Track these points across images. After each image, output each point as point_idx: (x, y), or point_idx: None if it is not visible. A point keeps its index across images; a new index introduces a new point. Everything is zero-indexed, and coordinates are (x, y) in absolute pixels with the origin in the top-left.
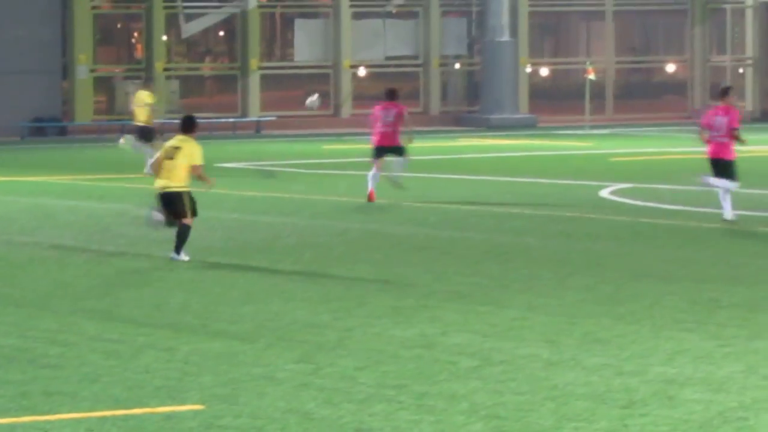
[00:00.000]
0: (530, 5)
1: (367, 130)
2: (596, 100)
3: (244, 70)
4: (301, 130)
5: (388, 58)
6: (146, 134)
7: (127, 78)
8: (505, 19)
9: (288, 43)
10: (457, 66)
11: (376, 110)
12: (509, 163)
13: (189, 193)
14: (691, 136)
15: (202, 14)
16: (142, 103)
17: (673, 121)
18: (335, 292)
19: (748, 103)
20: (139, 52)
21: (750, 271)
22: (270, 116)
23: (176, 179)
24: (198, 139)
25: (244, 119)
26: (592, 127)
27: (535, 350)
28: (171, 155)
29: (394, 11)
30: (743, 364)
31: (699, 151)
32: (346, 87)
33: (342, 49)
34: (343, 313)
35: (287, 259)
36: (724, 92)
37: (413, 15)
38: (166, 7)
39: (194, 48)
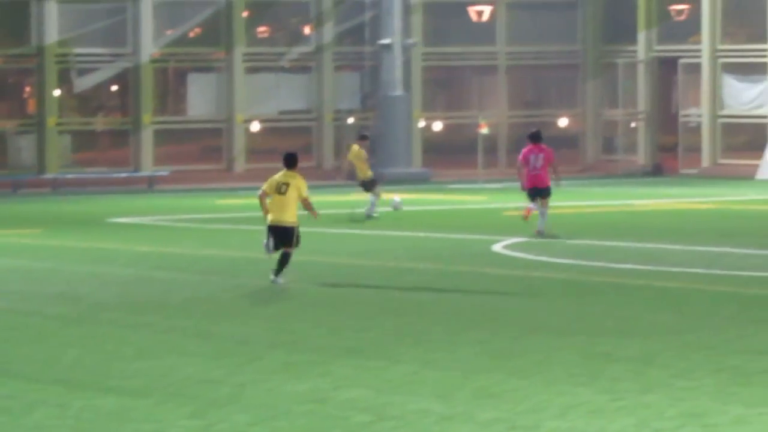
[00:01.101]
0: (423, 60)
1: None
2: (489, 154)
3: (137, 124)
4: (195, 184)
5: (281, 113)
6: (371, 185)
7: (18, 133)
8: (398, 73)
9: (181, 98)
10: (351, 120)
11: (525, 153)
12: (402, 217)
13: (298, 228)
14: None
15: (95, 69)
16: (360, 158)
17: (566, 174)
18: (228, 347)
19: (640, 156)
20: (31, 107)
21: (642, 324)
22: (163, 171)
23: (289, 214)
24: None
25: (136, 174)
26: (486, 181)
27: (427, 405)
28: (282, 190)
29: (287, 66)
30: (636, 418)
31: (590, 204)
32: (240, 142)
33: (235, 104)
34: (236, 369)
35: (180, 314)
36: None
37: (306, 69)
38: (58, 62)
39: (87, 102)
